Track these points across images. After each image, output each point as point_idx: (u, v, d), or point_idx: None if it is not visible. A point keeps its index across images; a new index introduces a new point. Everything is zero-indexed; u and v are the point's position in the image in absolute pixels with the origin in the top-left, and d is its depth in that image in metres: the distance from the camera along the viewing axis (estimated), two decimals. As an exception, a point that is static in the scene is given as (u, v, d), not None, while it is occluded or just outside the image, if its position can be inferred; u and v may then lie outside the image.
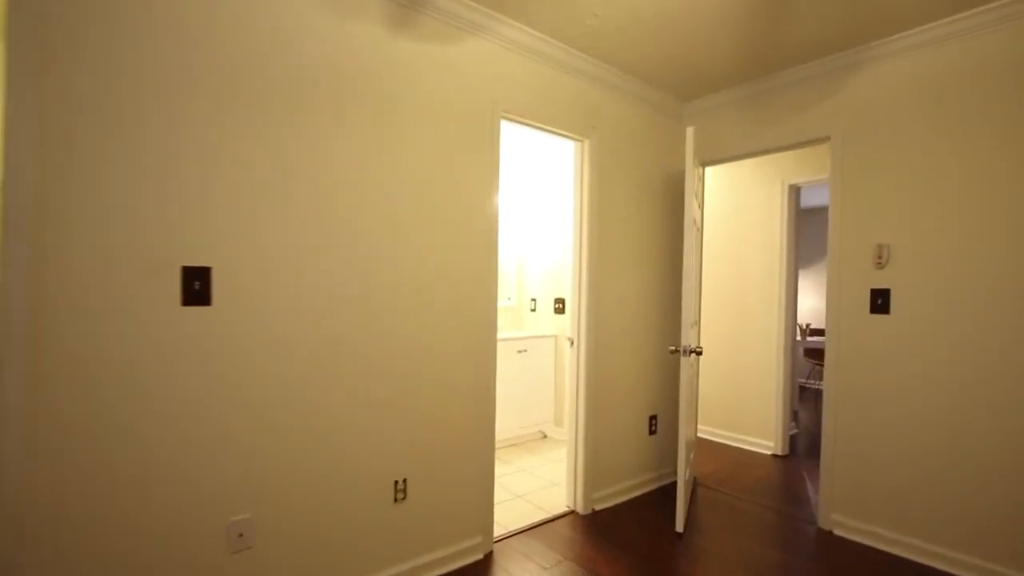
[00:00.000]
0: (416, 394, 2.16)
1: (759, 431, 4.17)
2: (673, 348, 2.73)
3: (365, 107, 2.00)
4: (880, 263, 2.59)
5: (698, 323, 3.37)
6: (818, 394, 6.69)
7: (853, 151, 2.71)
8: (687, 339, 2.64)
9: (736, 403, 4.31)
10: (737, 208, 4.34)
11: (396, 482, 2.09)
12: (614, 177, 3.00)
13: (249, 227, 1.72)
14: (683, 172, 3.45)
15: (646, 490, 3.25)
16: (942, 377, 2.40)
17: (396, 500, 2.09)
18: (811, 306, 7.35)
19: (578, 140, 2.87)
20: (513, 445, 4.13)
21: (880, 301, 2.59)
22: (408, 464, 2.13)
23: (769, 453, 4.09)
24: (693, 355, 2.80)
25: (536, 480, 3.36)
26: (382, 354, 2.05)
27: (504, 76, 2.48)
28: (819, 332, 6.47)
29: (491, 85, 2.42)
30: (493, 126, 2.42)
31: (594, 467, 2.91)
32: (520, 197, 4.64)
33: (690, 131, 2.71)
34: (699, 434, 4.52)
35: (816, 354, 6.30)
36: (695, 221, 3.04)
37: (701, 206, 3.40)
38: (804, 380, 6.98)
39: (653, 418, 3.30)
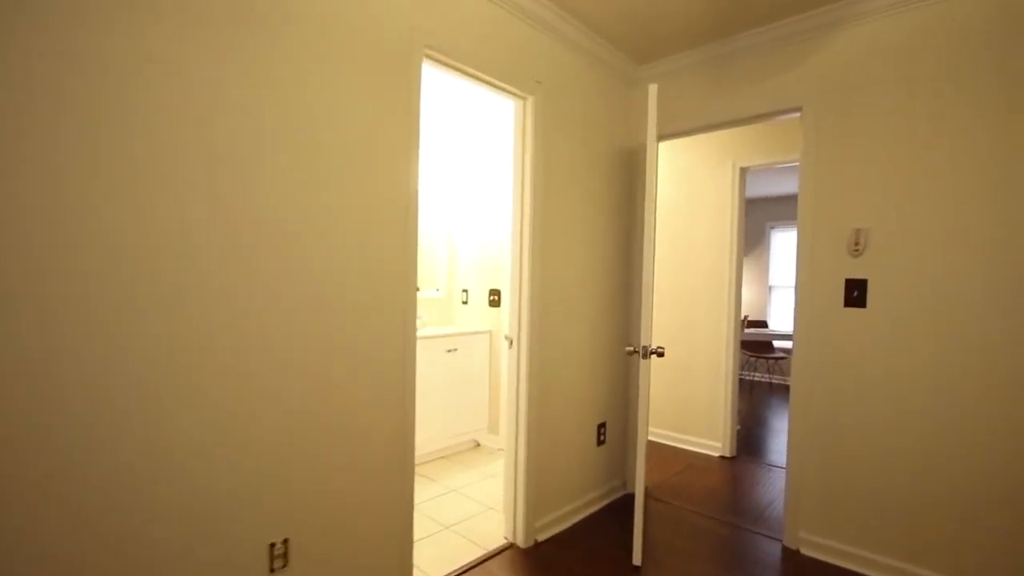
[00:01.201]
0: (306, 421, 1.58)
1: (706, 431, 3.90)
2: (631, 348, 2.31)
3: (253, 28, 1.39)
4: (857, 250, 2.30)
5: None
6: (753, 385, 6.68)
7: (828, 124, 2.40)
8: (646, 337, 2.24)
9: (682, 401, 4.03)
10: (686, 191, 4.03)
11: (273, 545, 1.51)
12: (560, 146, 2.53)
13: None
14: (638, 147, 3.04)
15: (594, 509, 2.84)
16: (927, 378, 2.14)
17: (273, 571, 1.51)
18: (746, 298, 7.34)
19: (520, 97, 2.37)
20: (442, 458, 3.60)
21: (856, 293, 2.31)
22: (292, 515, 1.55)
23: (717, 455, 3.84)
24: (654, 356, 2.40)
25: (468, 503, 2.86)
26: (258, 364, 1.45)
27: (431, 2, 1.92)
28: (756, 324, 6.42)
29: (412, 11, 1.86)
30: (412, 66, 1.86)
31: (537, 491, 2.45)
32: (450, 168, 4.06)
33: (653, 89, 2.28)
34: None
35: (752, 346, 6.23)
36: (655, 200, 2.65)
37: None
38: (740, 372, 6.95)
39: (602, 426, 2.90)
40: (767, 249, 7.34)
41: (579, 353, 2.68)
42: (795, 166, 4.49)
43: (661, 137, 2.99)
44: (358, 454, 1.74)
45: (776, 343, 7.02)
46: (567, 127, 2.56)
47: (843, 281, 2.35)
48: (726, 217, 3.81)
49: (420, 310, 3.80)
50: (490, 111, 3.78)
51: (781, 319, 7.19)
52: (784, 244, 7.22)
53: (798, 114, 2.52)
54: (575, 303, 2.64)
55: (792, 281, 7.71)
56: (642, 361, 2.22)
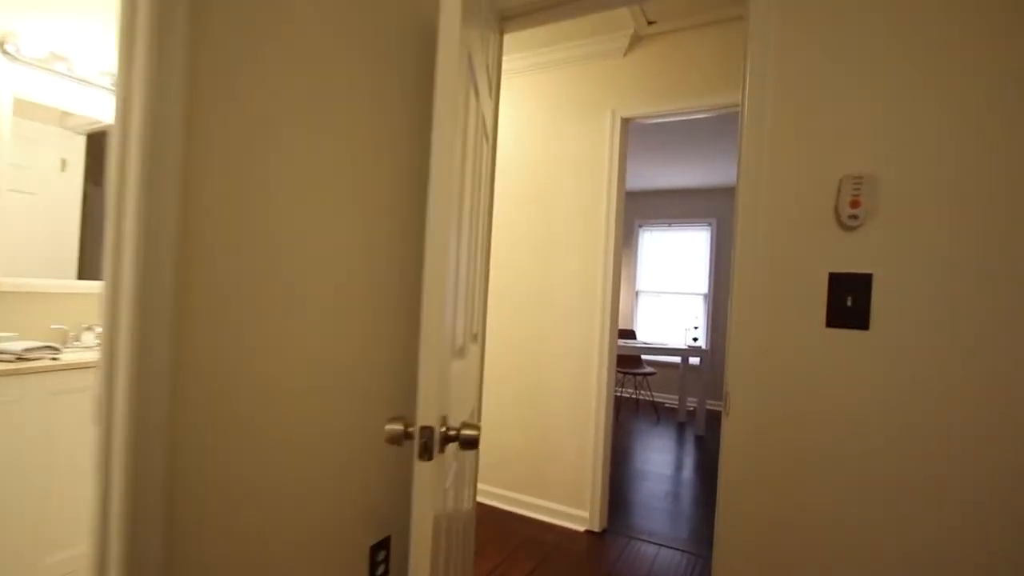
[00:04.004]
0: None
1: (567, 493, 2.71)
2: (400, 426, 0.93)
3: None
4: (853, 218, 1.19)
5: (480, 336, 1.67)
6: (620, 401, 5.81)
7: (795, 4, 1.27)
8: (432, 405, 0.88)
9: (533, 448, 2.80)
10: (544, 150, 2.82)
11: None
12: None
13: None
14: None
15: None
16: (969, 459, 1.07)
17: None
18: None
19: None
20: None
21: (850, 300, 1.19)
22: None
23: (582, 529, 2.66)
24: (454, 448, 1.00)
25: None
26: None
27: None
28: (622, 334, 5.53)
29: None
30: None
31: None
32: None
33: None
34: (476, 497, 2.92)
35: (622, 361, 5.32)
36: (485, 127, 1.35)
37: (495, 105, 1.69)
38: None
39: (382, 548, 1.50)
40: (635, 250, 6.59)
41: (323, 418, 1.25)
42: (697, 118, 3.52)
43: (510, 15, 1.69)
44: None
45: (645, 357, 6.26)
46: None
47: (824, 278, 1.22)
48: (601, 187, 2.66)
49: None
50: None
51: (649, 329, 6.47)
52: (654, 245, 6.51)
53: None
54: (321, 318, 1.21)
55: (664, 287, 7.10)
56: (418, 464, 0.85)
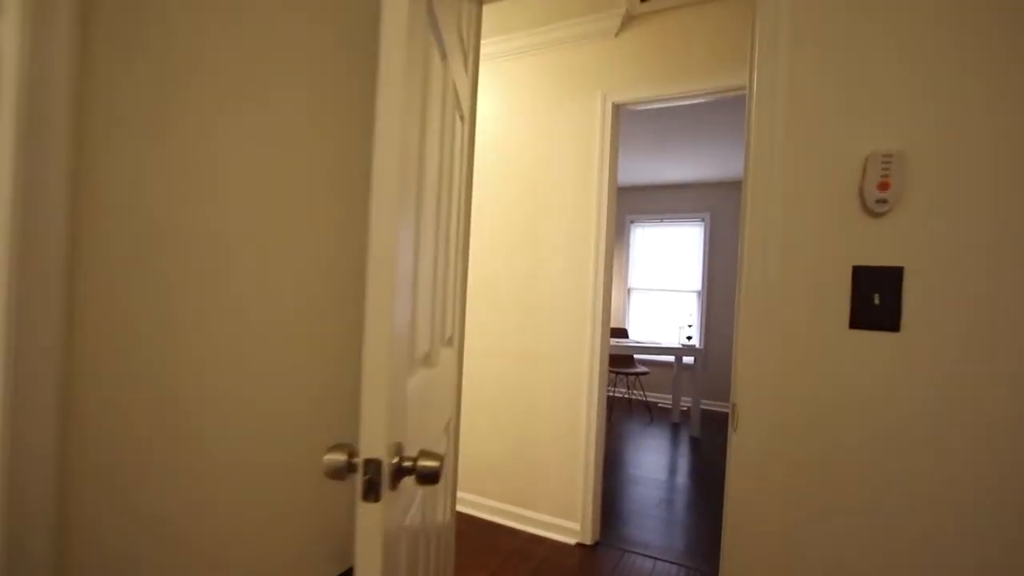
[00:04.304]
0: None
1: (556, 504, 2.55)
2: (343, 456, 0.76)
3: None
4: (882, 203, 1.02)
5: (458, 339, 1.49)
6: (612, 401, 5.66)
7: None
8: (388, 423, 0.71)
9: (520, 455, 2.63)
10: (529, 139, 2.65)
11: None
12: None
13: None
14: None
15: None
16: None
17: None
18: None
19: None
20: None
21: (879, 298, 1.03)
22: None
23: (573, 542, 2.50)
24: (411, 483, 0.83)
25: None
26: None
27: None
28: (615, 333, 5.38)
29: None
30: None
31: None
32: None
33: None
34: (457, 506, 2.75)
35: (614, 361, 5.17)
36: (459, 101, 1.18)
37: (472, 82, 1.52)
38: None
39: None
40: (627, 246, 6.43)
41: (261, 441, 1.07)
42: (692, 105, 3.34)
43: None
44: None
45: (639, 356, 6.11)
46: None
47: (847, 273, 1.06)
48: (591, 178, 2.49)
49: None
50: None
51: (641, 327, 6.32)
52: (646, 241, 6.36)
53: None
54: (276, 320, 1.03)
55: (656, 284, 6.93)
56: (361, 507, 0.68)
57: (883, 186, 1.01)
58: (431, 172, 0.94)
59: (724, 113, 3.64)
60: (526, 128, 2.66)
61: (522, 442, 2.63)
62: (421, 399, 0.92)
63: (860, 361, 1.04)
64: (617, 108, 2.46)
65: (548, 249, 2.58)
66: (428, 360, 1.01)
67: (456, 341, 1.44)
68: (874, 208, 1.03)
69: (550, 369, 2.56)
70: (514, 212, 2.68)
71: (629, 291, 6.46)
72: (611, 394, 6.06)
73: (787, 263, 1.11)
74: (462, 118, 1.34)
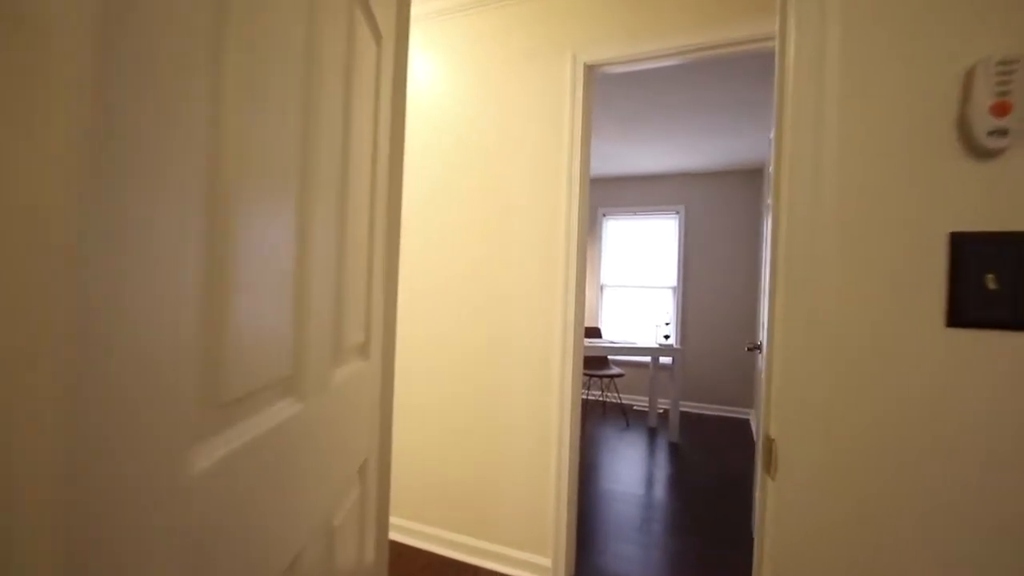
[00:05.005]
0: None
1: (524, 535, 2.17)
2: None
3: None
4: (998, 133, 0.68)
5: (382, 348, 1.09)
6: (586, 405, 5.32)
7: None
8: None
9: (482, 481, 2.25)
10: (489, 105, 2.26)
11: None
12: None
13: None
14: None
15: None
16: None
17: None
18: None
19: None
20: None
21: (994, 280, 0.68)
22: None
23: (544, 581, 2.12)
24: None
25: None
26: None
27: None
28: (589, 332, 5.05)
29: None
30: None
31: None
32: None
33: None
34: (401, 537, 2.34)
35: (587, 362, 4.83)
36: (375, 22, 0.76)
37: (400, 13, 1.12)
38: (567, 390, 5.55)
39: None
40: (599, 240, 6.12)
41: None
42: (672, 65, 2.98)
43: None
44: None
45: (613, 357, 5.80)
46: None
47: (942, 244, 0.71)
48: (561, 154, 2.12)
49: None
50: None
51: (615, 326, 6.01)
52: (619, 235, 6.06)
53: None
54: None
55: (631, 281, 6.56)
56: None
57: (1000, 109, 0.67)
58: (318, 101, 0.55)
59: (701, 97, 3.33)
60: (481, 96, 2.27)
61: (483, 465, 2.24)
62: (278, 448, 0.53)
63: (963, 375, 0.69)
64: (590, 70, 2.10)
65: (512, 240, 2.20)
66: (300, 382, 0.61)
67: (377, 351, 1.04)
68: (985, 144, 0.68)
69: (516, 375, 2.18)
70: (473, 199, 2.29)
71: (602, 288, 6.15)
72: (585, 397, 5.73)
73: (846, 236, 0.76)
74: (377, 38, 0.94)
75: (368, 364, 0.97)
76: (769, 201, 1.62)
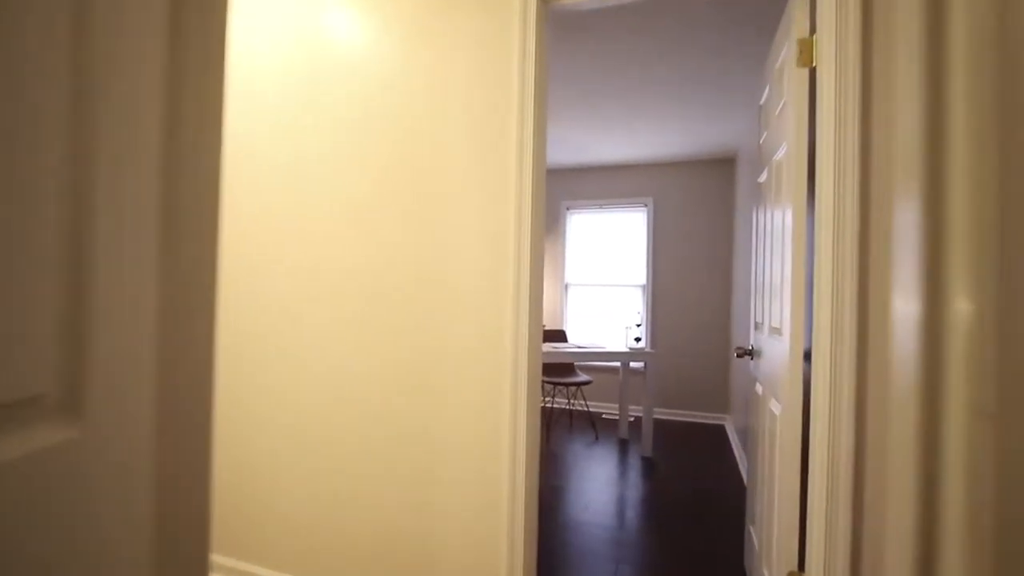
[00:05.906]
0: None
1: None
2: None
3: None
4: None
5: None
6: (550, 415, 4.88)
7: None
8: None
9: (420, 525, 1.76)
10: (418, 58, 1.78)
11: None
12: None
13: None
14: None
15: None
16: None
17: None
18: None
19: None
20: None
21: None
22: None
23: (494, 662, 1.65)
24: None
25: None
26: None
27: None
28: (551, 336, 4.61)
29: None
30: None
31: None
32: None
33: None
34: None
35: (547, 369, 4.39)
36: None
37: None
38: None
39: None
40: (562, 235, 5.69)
41: None
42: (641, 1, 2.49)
43: None
44: None
45: (579, 363, 5.38)
46: None
47: None
48: (510, 118, 1.66)
49: None
50: None
51: (582, 328, 5.60)
52: (584, 230, 5.65)
53: None
54: None
55: (597, 279, 6.04)
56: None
57: None
58: None
59: (664, 67, 2.93)
60: (407, 47, 1.78)
61: (420, 507, 1.75)
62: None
63: None
64: (545, 5, 1.64)
65: (446, 226, 1.73)
66: None
67: (110, 403, 0.54)
68: None
69: (455, 395, 1.70)
70: (392, 173, 1.80)
71: (567, 287, 5.73)
72: (549, 405, 5.29)
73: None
74: None
75: (84, 434, 0.47)
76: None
